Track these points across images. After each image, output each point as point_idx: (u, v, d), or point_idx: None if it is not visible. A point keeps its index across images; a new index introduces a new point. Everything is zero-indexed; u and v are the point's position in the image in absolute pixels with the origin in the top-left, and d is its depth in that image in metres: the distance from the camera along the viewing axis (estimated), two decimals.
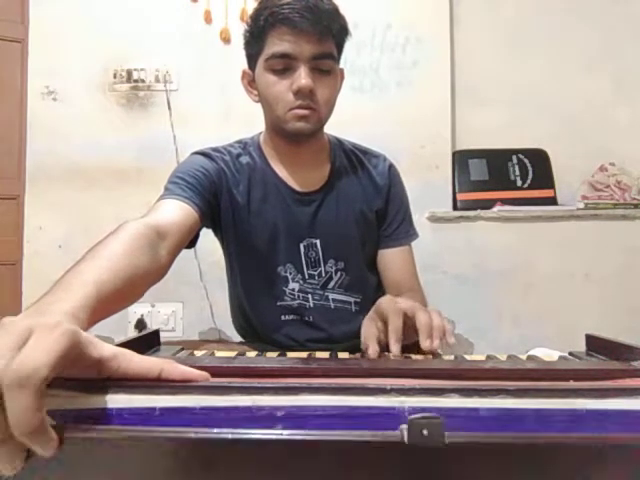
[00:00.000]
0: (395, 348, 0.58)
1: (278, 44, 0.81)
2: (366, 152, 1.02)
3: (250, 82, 0.91)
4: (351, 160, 0.99)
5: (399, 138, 1.73)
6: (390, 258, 0.99)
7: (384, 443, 0.30)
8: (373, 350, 0.58)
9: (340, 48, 0.88)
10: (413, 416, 0.30)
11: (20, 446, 0.30)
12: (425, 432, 0.29)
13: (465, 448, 0.30)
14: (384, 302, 0.65)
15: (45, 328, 0.33)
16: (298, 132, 0.85)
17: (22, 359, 0.30)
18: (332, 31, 0.83)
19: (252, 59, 0.88)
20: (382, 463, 0.31)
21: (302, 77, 0.80)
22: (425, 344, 0.58)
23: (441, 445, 0.29)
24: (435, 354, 0.59)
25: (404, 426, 0.30)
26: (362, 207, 0.97)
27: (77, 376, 0.35)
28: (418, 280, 1.00)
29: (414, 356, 0.59)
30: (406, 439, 0.29)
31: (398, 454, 0.30)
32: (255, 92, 0.90)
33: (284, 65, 0.82)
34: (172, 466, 0.32)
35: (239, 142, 0.98)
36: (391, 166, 1.02)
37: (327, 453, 0.31)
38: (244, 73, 0.92)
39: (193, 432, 0.31)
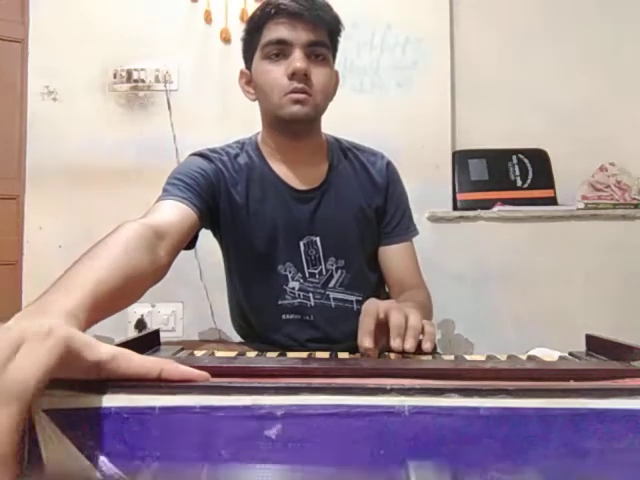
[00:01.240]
0: (367, 342, 0.57)
1: (274, 30, 0.84)
2: (364, 150, 1.02)
3: (247, 82, 0.92)
4: (349, 158, 0.99)
5: (399, 138, 1.73)
6: (392, 255, 0.99)
7: None
8: (369, 342, 0.58)
9: (333, 42, 0.89)
10: None
11: None
12: None
13: None
14: (366, 304, 0.66)
15: (37, 337, 0.32)
16: (293, 117, 0.84)
17: (9, 373, 0.29)
18: (327, 21, 0.85)
19: (249, 55, 0.90)
20: None
21: (297, 59, 0.82)
22: (394, 344, 0.57)
23: None
24: (433, 354, 0.59)
25: None
26: (361, 204, 0.97)
27: (76, 379, 0.35)
28: (421, 276, 1.00)
29: (413, 356, 0.59)
30: None
31: None
32: (252, 91, 0.91)
33: (279, 51, 0.84)
34: None
35: (237, 142, 0.98)
36: (389, 163, 1.02)
37: None
38: (242, 73, 0.94)
39: None
